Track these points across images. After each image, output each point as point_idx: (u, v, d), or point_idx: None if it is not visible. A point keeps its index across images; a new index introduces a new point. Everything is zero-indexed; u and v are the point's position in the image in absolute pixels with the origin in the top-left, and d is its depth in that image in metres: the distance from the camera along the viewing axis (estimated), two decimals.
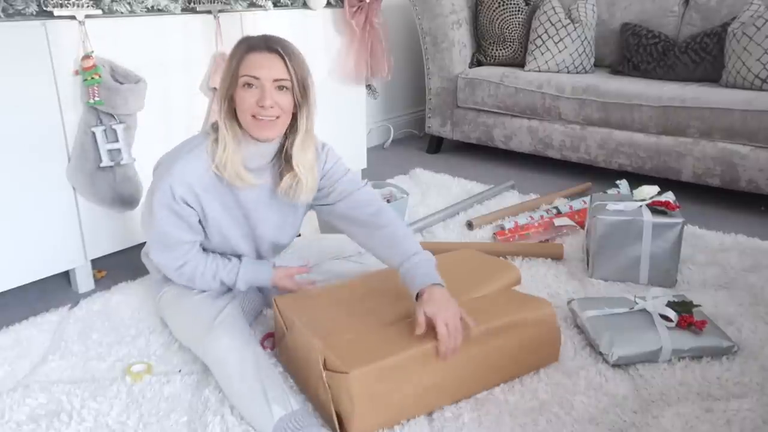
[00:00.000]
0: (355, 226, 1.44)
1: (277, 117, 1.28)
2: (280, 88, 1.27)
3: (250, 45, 1.27)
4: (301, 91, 1.29)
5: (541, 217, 2.22)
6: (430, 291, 1.25)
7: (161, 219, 1.32)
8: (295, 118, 1.33)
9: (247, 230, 1.45)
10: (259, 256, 1.53)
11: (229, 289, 1.48)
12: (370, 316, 1.34)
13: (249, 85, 1.25)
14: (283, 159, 1.38)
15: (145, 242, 1.82)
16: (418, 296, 1.27)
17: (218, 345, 1.29)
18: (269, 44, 1.26)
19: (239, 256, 1.47)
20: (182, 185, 1.30)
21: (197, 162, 1.32)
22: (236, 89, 1.27)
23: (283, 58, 1.25)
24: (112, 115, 1.67)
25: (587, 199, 2.29)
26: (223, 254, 1.47)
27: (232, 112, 1.30)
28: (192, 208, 1.33)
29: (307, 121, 1.34)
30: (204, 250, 1.45)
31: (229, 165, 1.30)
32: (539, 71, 2.94)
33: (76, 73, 1.62)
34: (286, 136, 1.36)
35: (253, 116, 1.26)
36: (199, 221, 1.38)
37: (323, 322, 1.31)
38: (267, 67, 1.24)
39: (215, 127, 1.33)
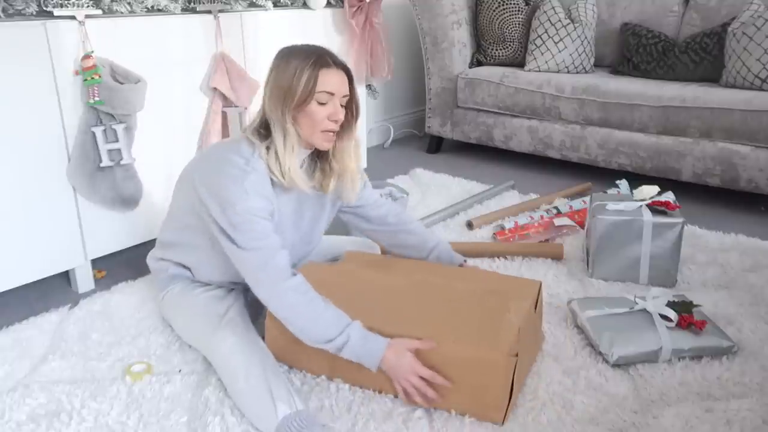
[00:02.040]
0: (380, 228, 1.63)
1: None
2: (342, 104, 1.35)
3: (319, 62, 1.29)
4: (357, 105, 1.39)
5: (541, 217, 2.23)
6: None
7: (252, 222, 1.25)
8: None
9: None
10: None
11: (232, 290, 1.48)
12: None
13: (323, 102, 1.30)
14: (326, 163, 1.43)
15: (143, 244, 1.83)
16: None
17: (225, 343, 1.29)
18: (335, 60, 1.32)
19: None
20: (262, 184, 1.29)
21: (261, 167, 1.31)
22: (309, 104, 1.30)
23: (348, 76, 1.35)
24: (112, 115, 1.67)
25: (587, 199, 2.29)
26: None
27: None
28: (272, 202, 1.32)
29: (356, 130, 1.42)
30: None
31: (292, 168, 1.32)
32: (539, 71, 2.94)
33: (76, 73, 1.62)
34: None
35: (322, 130, 1.32)
36: None
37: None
38: (340, 84, 1.32)
39: (259, 135, 1.33)
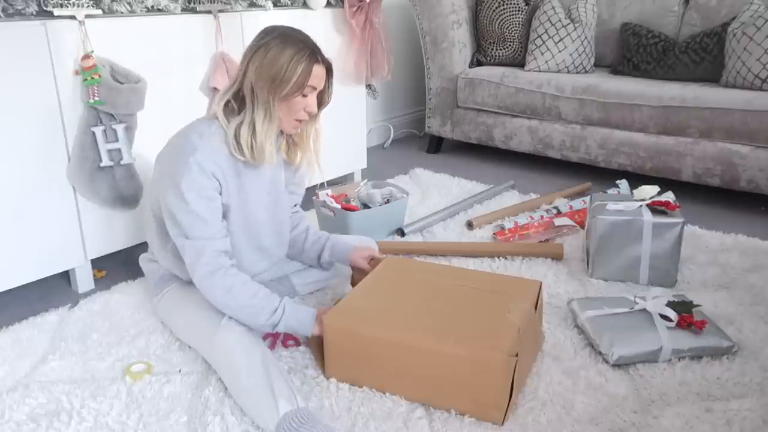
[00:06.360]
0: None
1: None
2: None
3: (313, 56, 1.33)
4: (329, 97, 1.44)
5: (541, 217, 2.23)
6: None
7: (194, 203, 1.30)
8: None
9: (245, 215, 1.45)
10: (257, 257, 1.53)
11: None
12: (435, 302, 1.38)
13: (305, 95, 1.35)
14: (293, 137, 1.48)
15: (143, 244, 1.83)
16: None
17: (226, 341, 1.29)
18: (324, 59, 1.37)
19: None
20: (209, 161, 1.32)
21: (216, 143, 1.35)
22: (296, 96, 1.34)
23: (330, 71, 1.40)
24: (112, 115, 1.67)
25: (587, 199, 2.29)
26: None
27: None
28: (219, 183, 1.35)
29: (319, 117, 1.48)
30: None
31: (266, 147, 1.35)
32: (539, 71, 2.94)
33: (76, 73, 1.62)
34: None
35: (296, 119, 1.38)
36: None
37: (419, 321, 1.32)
38: (324, 80, 1.39)
39: (231, 110, 1.36)
